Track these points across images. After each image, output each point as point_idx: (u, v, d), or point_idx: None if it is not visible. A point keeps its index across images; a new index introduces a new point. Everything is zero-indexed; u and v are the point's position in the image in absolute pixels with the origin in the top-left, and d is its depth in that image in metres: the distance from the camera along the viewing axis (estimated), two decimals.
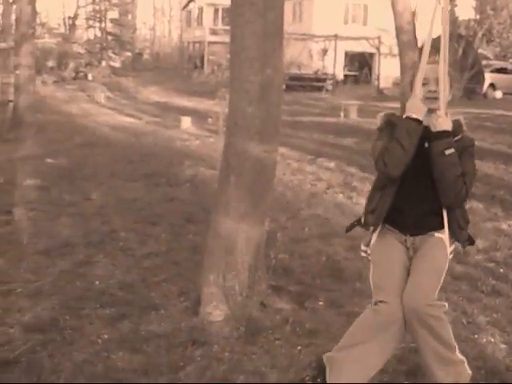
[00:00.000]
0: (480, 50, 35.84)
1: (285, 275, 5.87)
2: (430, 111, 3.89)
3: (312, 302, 5.32)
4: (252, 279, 4.99)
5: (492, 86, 34.60)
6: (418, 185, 3.93)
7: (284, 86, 28.00)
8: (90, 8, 60.69)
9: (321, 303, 5.32)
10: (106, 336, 4.65)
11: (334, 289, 5.68)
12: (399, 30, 15.61)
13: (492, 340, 4.77)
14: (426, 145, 3.87)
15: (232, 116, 4.86)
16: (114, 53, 56.98)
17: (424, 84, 3.92)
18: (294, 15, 49.94)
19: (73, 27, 58.34)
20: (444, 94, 3.90)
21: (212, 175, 9.95)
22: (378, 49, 40.88)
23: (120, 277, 5.88)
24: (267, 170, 4.97)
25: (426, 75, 3.92)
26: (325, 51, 43.42)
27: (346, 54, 47.46)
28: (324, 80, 39.60)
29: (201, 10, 59.96)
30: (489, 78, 34.65)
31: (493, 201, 9.07)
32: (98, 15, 60.82)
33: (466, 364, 3.82)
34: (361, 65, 49.58)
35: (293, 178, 10.80)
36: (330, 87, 38.61)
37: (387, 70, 41.08)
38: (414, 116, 3.84)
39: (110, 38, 59.73)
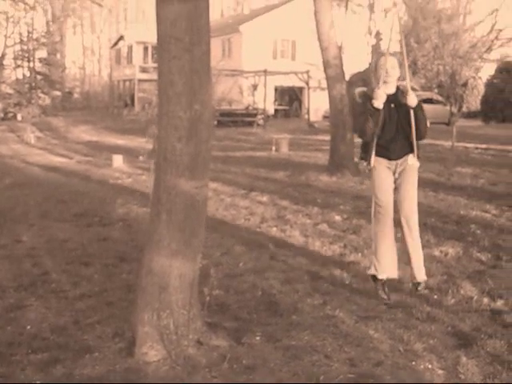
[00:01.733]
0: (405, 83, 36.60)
1: (220, 311, 5.83)
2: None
3: (249, 337, 5.27)
4: (187, 317, 4.92)
5: None
6: (394, 130, 6.18)
7: (215, 122, 28.27)
8: (17, 47, 60.15)
9: (258, 338, 5.27)
10: (38, 382, 4.52)
11: (270, 323, 5.64)
12: (326, 65, 15.81)
13: (429, 366, 4.80)
14: (392, 105, 6.12)
15: (161, 152, 4.83)
16: (43, 92, 56.41)
17: (384, 69, 6.09)
18: (223, 51, 50.45)
19: (0, 67, 57.63)
20: (408, 80, 6.17)
21: (145, 213, 9.88)
22: (307, 83, 41.46)
23: (52, 320, 5.74)
24: (198, 206, 4.93)
25: (387, 65, 6.11)
26: (255, 86, 43.81)
27: (276, 88, 48.05)
28: (255, 115, 39.92)
29: (130, 47, 60.01)
30: None
31: (424, 228, 9.18)
32: (27, 54, 60.33)
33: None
34: (291, 99, 50.24)
35: (226, 213, 10.78)
36: (261, 122, 38.92)
37: (317, 104, 41.76)
38: (377, 105, 6.01)
39: (39, 77, 59.21)
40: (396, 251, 6.36)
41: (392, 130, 6.19)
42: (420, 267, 6.31)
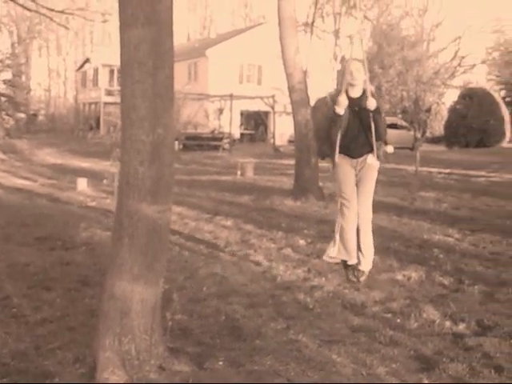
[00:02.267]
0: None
1: (183, 336, 5.79)
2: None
3: (212, 362, 5.25)
4: (149, 342, 4.89)
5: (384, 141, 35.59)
6: (356, 130, 6.49)
7: (181, 146, 28.21)
8: None
9: (220, 363, 5.25)
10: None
11: (233, 347, 5.62)
12: (291, 90, 15.90)
13: None
14: (356, 108, 6.36)
15: (124, 176, 4.81)
16: (7, 114, 55.85)
17: (349, 72, 6.40)
18: (189, 75, 50.48)
19: None
20: (368, 84, 6.43)
21: (108, 237, 9.79)
22: (272, 107, 41.60)
23: (13, 345, 5.66)
24: (161, 230, 4.92)
25: (351, 67, 6.43)
26: (221, 110, 43.87)
27: (242, 113, 48.16)
28: (220, 139, 39.97)
29: (96, 70, 59.86)
30: None
31: (388, 252, 9.25)
32: None
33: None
34: (256, 123, 50.37)
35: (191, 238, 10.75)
36: (226, 146, 38.95)
37: (282, 128, 41.91)
38: (339, 112, 6.32)
39: (3, 99, 58.59)
40: (355, 241, 6.58)
41: (354, 130, 6.52)
42: (368, 258, 6.63)
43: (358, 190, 6.59)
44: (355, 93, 6.46)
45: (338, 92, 6.51)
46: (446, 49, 35.28)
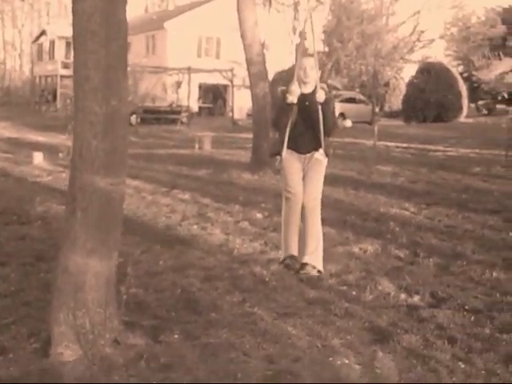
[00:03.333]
0: (329, 81, 37.05)
1: (139, 310, 5.77)
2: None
3: (167, 335, 5.24)
4: (103, 316, 4.86)
5: (342, 115, 35.77)
6: (305, 126, 6.43)
7: (139, 120, 27.94)
8: None
9: (176, 336, 5.25)
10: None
11: (189, 321, 5.63)
12: (249, 62, 15.83)
13: (347, 362, 4.86)
14: (307, 103, 6.29)
15: (77, 149, 4.75)
16: None
17: (302, 68, 6.37)
18: (147, 48, 50.10)
19: None
20: (317, 79, 6.37)
21: (64, 211, 9.70)
22: (231, 81, 41.46)
23: None
24: (114, 204, 4.86)
25: (304, 63, 6.38)
26: (179, 84, 43.59)
27: (200, 86, 47.93)
28: (179, 112, 39.71)
29: (52, 43, 59.01)
30: (339, 107, 35.81)
31: (344, 225, 9.32)
32: None
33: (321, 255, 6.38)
34: (215, 97, 50.20)
35: (147, 211, 10.69)
36: (184, 119, 38.73)
37: (241, 102, 41.78)
38: (289, 101, 6.26)
39: None
40: (297, 235, 6.40)
41: (303, 126, 6.45)
42: (315, 252, 6.30)
43: (304, 184, 6.43)
44: (307, 89, 6.40)
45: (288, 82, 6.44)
46: (405, 23, 35.51)
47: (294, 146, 6.48)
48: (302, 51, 6.64)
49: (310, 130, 6.45)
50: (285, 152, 6.45)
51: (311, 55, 6.50)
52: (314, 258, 6.27)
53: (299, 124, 6.44)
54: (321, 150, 6.45)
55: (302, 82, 6.41)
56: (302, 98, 6.33)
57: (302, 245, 6.32)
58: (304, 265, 6.22)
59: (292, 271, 6.38)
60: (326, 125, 6.38)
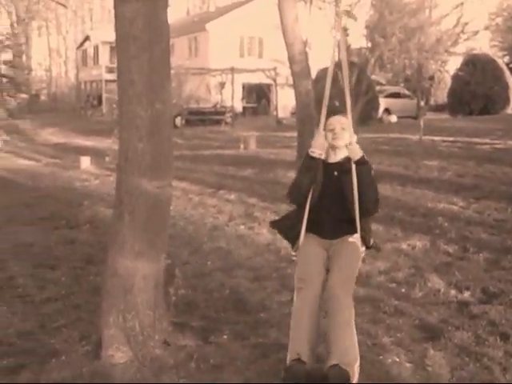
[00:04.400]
0: (373, 77, 36.80)
1: (188, 311, 5.80)
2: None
3: (216, 336, 5.26)
4: (153, 318, 4.89)
5: (387, 110, 35.53)
6: (332, 202, 4.90)
7: (184, 121, 28.07)
8: None
9: (225, 337, 5.26)
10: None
11: (238, 321, 5.64)
12: (292, 60, 15.80)
13: (397, 360, 4.82)
14: (336, 173, 4.92)
15: (123, 152, 4.78)
16: (9, 95, 55.80)
17: (331, 130, 4.88)
18: (189, 50, 50.31)
19: None
20: (350, 128, 4.88)
21: (111, 214, 9.80)
22: (274, 80, 41.40)
23: (19, 325, 5.69)
24: (161, 206, 4.90)
25: (332, 122, 4.90)
26: (222, 84, 43.69)
27: (244, 86, 47.97)
28: (223, 113, 39.78)
29: (96, 48, 59.61)
30: (383, 103, 35.57)
31: (392, 222, 9.24)
32: None
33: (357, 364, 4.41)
34: (259, 96, 50.16)
35: (194, 213, 10.73)
36: (229, 120, 38.79)
37: (285, 100, 41.67)
38: (314, 154, 4.85)
39: (4, 80, 58.51)
40: (314, 336, 4.59)
41: (329, 201, 4.87)
42: (346, 355, 4.36)
43: (331, 271, 4.69)
44: (336, 156, 4.93)
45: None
46: (449, 15, 35.04)
47: (316, 229, 4.91)
48: (330, 78, 4.88)
49: (340, 209, 4.85)
50: (303, 237, 4.89)
51: (344, 114, 4.89)
52: (347, 363, 4.30)
53: (324, 199, 4.87)
54: (356, 235, 4.82)
55: (329, 148, 4.90)
56: (330, 168, 4.89)
57: (331, 345, 4.43)
58: (331, 369, 4.26)
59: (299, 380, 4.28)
60: (365, 201, 4.76)
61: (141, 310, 4.84)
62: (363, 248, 4.88)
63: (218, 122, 38.04)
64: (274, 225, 5.35)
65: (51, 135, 35.14)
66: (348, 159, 4.83)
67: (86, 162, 18.91)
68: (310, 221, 4.89)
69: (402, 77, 43.13)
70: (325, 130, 4.86)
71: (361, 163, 4.75)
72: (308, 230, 4.91)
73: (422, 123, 19.66)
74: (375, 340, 5.17)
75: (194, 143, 25.49)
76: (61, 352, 5.02)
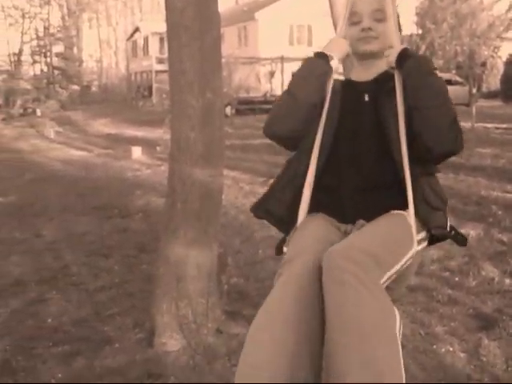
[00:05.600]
0: None
1: (240, 299, 5.80)
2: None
3: None
4: (205, 306, 4.92)
5: None
6: (357, 152, 2.87)
7: (234, 111, 28.12)
8: (34, 43, 60.39)
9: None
10: (59, 375, 4.53)
11: None
12: None
13: (451, 349, 4.75)
14: (367, 98, 2.91)
15: (175, 142, 4.81)
16: (61, 87, 56.64)
17: (356, 22, 2.92)
18: (239, 39, 50.38)
19: (18, 63, 57.93)
20: (394, 16, 2.89)
21: (163, 203, 9.88)
22: None
23: (73, 313, 5.76)
24: (214, 195, 4.92)
25: (357, 9, 2.92)
26: (272, 73, 43.69)
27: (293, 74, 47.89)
28: (273, 102, 39.71)
29: (146, 39, 60.06)
30: None
31: None
32: (43, 50, 60.56)
33: None
34: None
35: (245, 201, 10.74)
36: None
37: None
38: (324, 51, 2.91)
39: (56, 72, 59.44)
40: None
41: (353, 149, 2.90)
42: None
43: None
44: (367, 71, 2.97)
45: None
46: (501, 0, 34.42)
47: (330, 205, 2.93)
48: None
49: (375, 163, 2.85)
50: (302, 217, 2.95)
51: None
52: None
53: (343, 147, 2.91)
54: (409, 214, 2.73)
55: (353, 56, 2.98)
56: (355, 90, 2.94)
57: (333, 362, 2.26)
58: None
59: None
60: (428, 130, 2.65)
61: (194, 298, 4.87)
62: (422, 234, 2.80)
63: (268, 112, 38.03)
64: (257, 210, 3.38)
65: (103, 126, 35.51)
66: (388, 75, 2.86)
67: (137, 151, 19.08)
68: (320, 190, 2.94)
69: (453, 63, 42.61)
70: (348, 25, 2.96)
71: (408, 56, 2.73)
72: (315, 207, 2.97)
73: (474, 110, 19.43)
74: (428, 329, 5.11)
75: (244, 132, 25.52)
76: (114, 339, 5.07)
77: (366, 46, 2.89)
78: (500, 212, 8.89)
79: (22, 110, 45.47)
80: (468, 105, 33.75)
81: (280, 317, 2.42)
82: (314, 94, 2.86)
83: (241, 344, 4.79)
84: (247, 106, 38.59)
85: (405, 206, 2.77)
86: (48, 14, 61.94)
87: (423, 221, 2.83)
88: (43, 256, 7.75)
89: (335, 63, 2.88)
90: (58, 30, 61.21)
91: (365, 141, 2.87)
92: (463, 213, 9.00)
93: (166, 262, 4.90)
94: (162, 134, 18.47)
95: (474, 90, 22.81)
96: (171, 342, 4.80)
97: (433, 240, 2.99)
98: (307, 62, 2.97)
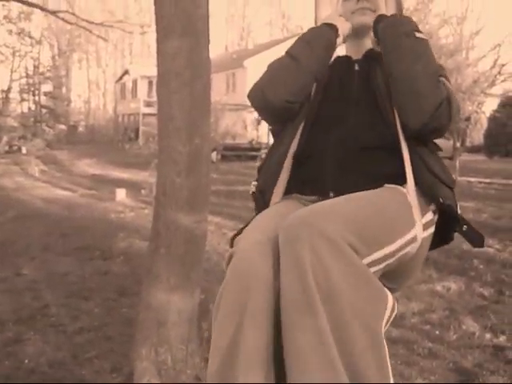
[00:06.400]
0: None
1: None
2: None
3: None
4: (185, 352, 4.89)
5: None
6: (346, 114, 2.49)
7: (219, 156, 28.29)
8: (23, 81, 60.56)
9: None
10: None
11: None
12: None
13: None
14: (357, 67, 2.61)
15: (160, 186, 4.82)
16: (48, 126, 56.70)
17: None
18: (227, 86, 50.74)
19: (6, 101, 57.92)
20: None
21: (146, 247, 9.84)
22: None
23: (51, 354, 5.70)
24: (197, 241, 4.91)
25: None
26: (259, 121, 43.83)
27: None
28: (259, 149, 39.94)
29: (135, 82, 60.41)
30: None
31: (427, 263, 9.15)
32: (32, 88, 60.70)
33: None
34: None
35: (228, 248, 10.72)
36: (264, 156, 38.89)
37: None
38: (328, 21, 2.59)
39: (44, 110, 59.56)
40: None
41: (348, 112, 2.49)
42: None
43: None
44: (359, 47, 2.69)
45: None
46: (486, 57, 34.96)
47: (308, 182, 2.47)
48: None
49: (365, 132, 2.40)
50: (275, 196, 2.57)
51: None
52: None
53: (330, 112, 2.52)
54: (408, 190, 2.27)
55: (348, 35, 2.64)
56: (345, 63, 2.67)
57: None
58: None
59: None
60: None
61: (173, 344, 4.84)
62: (428, 216, 2.35)
63: (254, 158, 38.17)
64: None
65: (88, 166, 35.50)
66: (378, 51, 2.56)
67: (121, 194, 19.04)
68: (299, 166, 2.52)
69: None
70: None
71: (381, 20, 2.49)
72: (292, 187, 2.53)
73: (457, 164, 19.57)
74: (409, 382, 5.11)
75: (229, 178, 25.58)
76: (92, 383, 5.03)
77: (361, 18, 2.60)
78: (481, 266, 8.93)
79: (7, 147, 45.43)
80: (452, 158, 34.04)
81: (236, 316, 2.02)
82: (318, 63, 2.53)
83: None
84: (233, 153, 38.75)
85: (404, 177, 2.30)
86: (38, 53, 62.19)
87: (429, 193, 2.33)
88: (23, 295, 7.68)
89: (340, 39, 2.60)
90: (47, 70, 61.46)
91: (354, 105, 2.50)
92: (445, 266, 9.03)
93: (148, 307, 4.87)
94: (147, 177, 18.47)
95: (458, 144, 23.03)
96: None
97: (441, 236, 2.58)
98: (315, 29, 2.62)
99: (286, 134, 2.57)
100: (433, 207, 2.36)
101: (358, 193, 2.18)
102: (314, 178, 2.42)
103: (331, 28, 2.55)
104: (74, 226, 13.29)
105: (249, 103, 2.74)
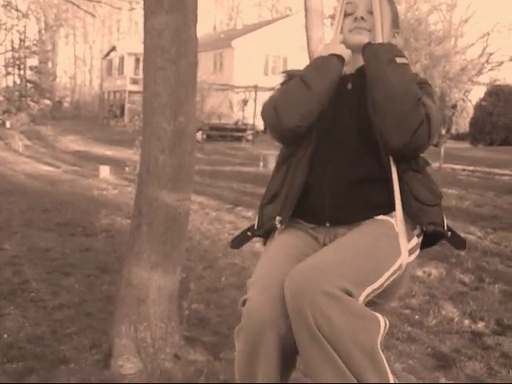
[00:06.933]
0: None
1: (200, 326, 5.77)
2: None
3: (227, 352, 5.20)
4: (165, 330, 4.87)
5: None
6: (339, 143, 2.68)
7: (205, 136, 28.27)
8: (9, 55, 59.99)
9: (236, 354, 5.23)
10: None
11: None
12: None
13: None
14: (350, 86, 2.76)
15: (144, 164, 4.79)
16: (33, 101, 56.25)
17: (350, 13, 2.82)
18: (214, 65, 50.56)
19: None
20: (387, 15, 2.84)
21: (128, 224, 9.82)
22: None
23: (30, 329, 5.66)
24: (180, 219, 4.89)
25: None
26: (245, 102, 43.83)
27: None
28: (244, 130, 39.92)
29: (122, 59, 60.07)
30: None
31: None
32: (18, 62, 60.15)
33: None
34: None
35: (210, 228, 10.73)
36: (250, 137, 38.86)
37: None
38: (335, 52, 2.71)
39: (29, 85, 59.08)
40: None
41: (338, 144, 2.70)
42: None
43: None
44: (355, 63, 2.76)
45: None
46: (474, 45, 35.02)
47: (308, 209, 2.74)
48: None
49: (359, 155, 2.64)
50: (279, 222, 2.81)
51: None
52: None
53: (324, 142, 2.71)
54: (396, 218, 2.59)
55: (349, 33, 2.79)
56: (339, 83, 2.70)
57: None
58: None
59: None
60: (416, 115, 2.46)
61: (153, 322, 4.83)
62: (414, 241, 2.68)
63: (239, 139, 38.15)
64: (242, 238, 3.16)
65: (72, 142, 35.35)
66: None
67: (105, 171, 19.00)
68: (303, 195, 2.73)
69: None
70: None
71: (367, 47, 2.69)
72: (293, 213, 2.75)
73: (442, 151, 19.62)
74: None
75: (213, 158, 25.55)
76: (70, 359, 5.00)
77: (356, 37, 2.74)
78: (462, 253, 8.95)
79: None
80: (437, 145, 34.16)
81: (256, 330, 2.52)
82: (328, 90, 2.66)
83: (198, 371, 4.78)
84: (218, 133, 38.68)
85: (392, 205, 2.60)
86: (25, 26, 61.68)
87: (414, 218, 2.62)
88: (3, 270, 7.64)
89: (344, 68, 2.74)
90: (33, 44, 60.85)
91: (346, 132, 2.68)
92: (426, 252, 8.96)
93: (128, 284, 4.85)
94: (131, 154, 18.41)
95: (444, 131, 23.05)
96: (128, 365, 4.75)
97: (427, 242, 2.89)
98: (326, 60, 2.71)
99: (300, 165, 2.73)
100: (417, 231, 2.72)
101: (350, 239, 2.54)
102: (314, 210, 2.72)
103: (340, 61, 2.70)
104: (56, 202, 13.24)
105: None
